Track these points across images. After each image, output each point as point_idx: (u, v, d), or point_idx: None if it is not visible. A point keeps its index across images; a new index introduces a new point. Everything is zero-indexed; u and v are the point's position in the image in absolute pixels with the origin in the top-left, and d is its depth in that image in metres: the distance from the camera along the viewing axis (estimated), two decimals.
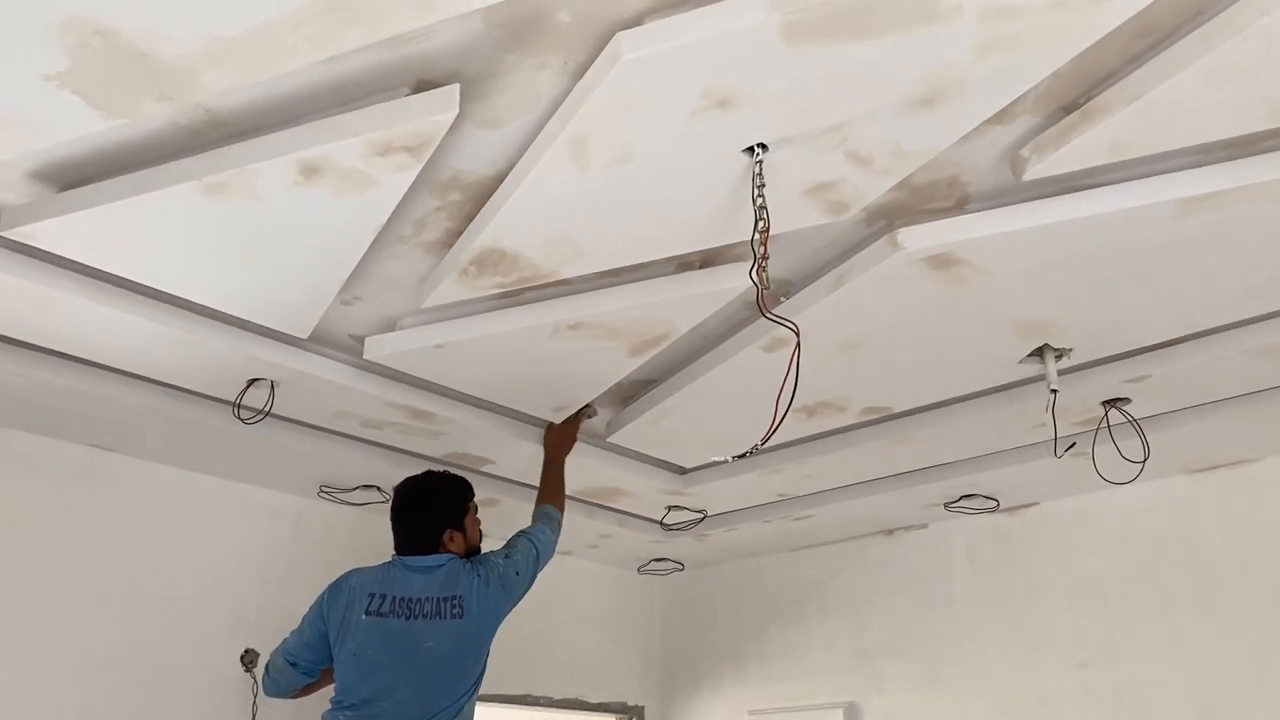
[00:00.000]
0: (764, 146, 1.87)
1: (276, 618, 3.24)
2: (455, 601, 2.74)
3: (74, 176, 2.03)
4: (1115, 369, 2.81)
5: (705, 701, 4.62)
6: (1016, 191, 2.13)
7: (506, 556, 2.87)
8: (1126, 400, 2.96)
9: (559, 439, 3.20)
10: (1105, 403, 2.98)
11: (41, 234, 2.10)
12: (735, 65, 1.68)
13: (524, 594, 2.90)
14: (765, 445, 1.94)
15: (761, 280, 1.81)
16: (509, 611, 2.86)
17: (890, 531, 4.25)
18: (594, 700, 4.51)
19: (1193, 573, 3.46)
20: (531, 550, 2.91)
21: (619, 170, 1.92)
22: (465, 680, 2.76)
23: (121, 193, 1.97)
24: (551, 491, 3.12)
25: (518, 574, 2.84)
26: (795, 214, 2.10)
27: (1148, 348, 2.72)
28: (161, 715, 3.16)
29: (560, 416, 3.14)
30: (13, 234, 2.09)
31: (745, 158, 1.90)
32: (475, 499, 3.02)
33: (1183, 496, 3.54)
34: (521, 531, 2.99)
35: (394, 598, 2.76)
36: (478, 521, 3.00)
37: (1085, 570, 3.70)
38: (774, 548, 4.49)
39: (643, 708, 4.70)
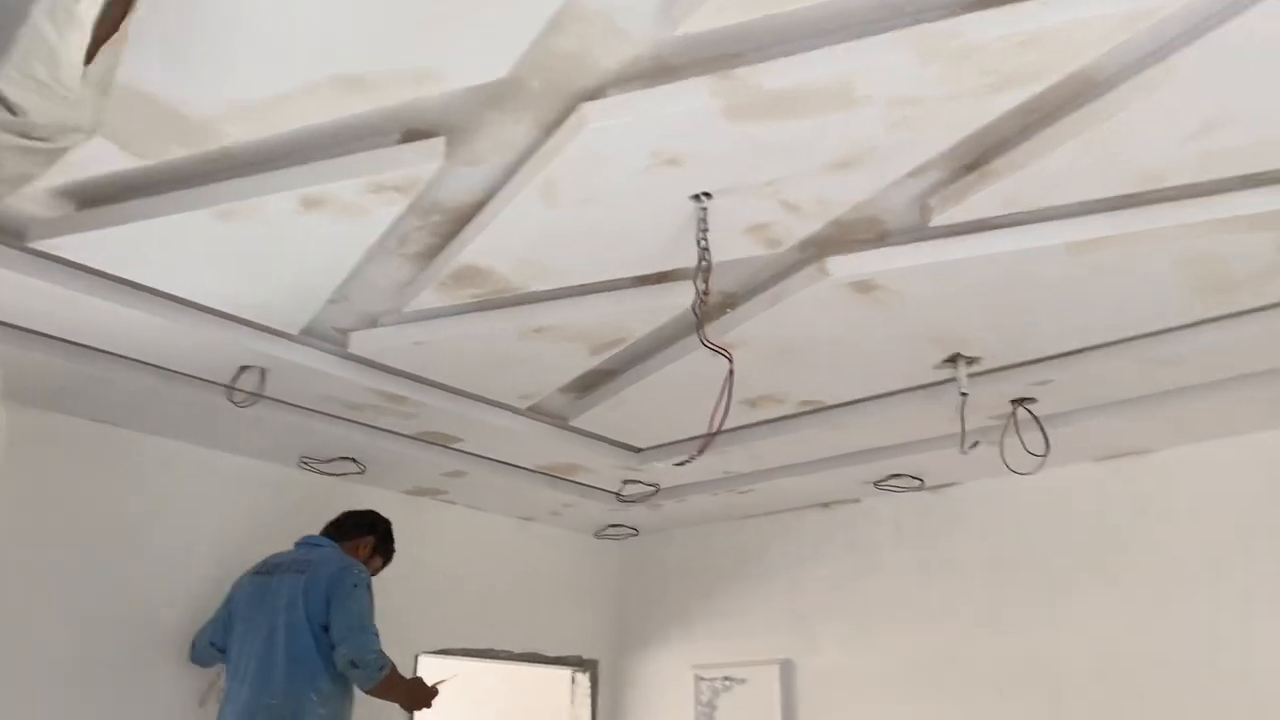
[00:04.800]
0: (708, 195, 2.17)
1: None
2: (305, 564, 3.37)
3: (93, 195, 2.28)
4: (1022, 373, 3.15)
5: (655, 656, 4.99)
6: (930, 230, 2.44)
7: (369, 589, 3.32)
8: (1033, 400, 3.31)
9: (421, 691, 3.38)
10: (1014, 401, 3.32)
11: (66, 247, 2.36)
12: (683, 134, 1.97)
13: (334, 615, 3.21)
14: (703, 436, 2.25)
15: (701, 314, 2.10)
16: (328, 597, 3.25)
17: (826, 504, 4.61)
18: (551, 654, 4.86)
19: (1098, 549, 3.84)
20: (367, 617, 3.23)
21: (583, 209, 2.22)
22: None
23: (141, 214, 2.23)
24: (401, 685, 3.28)
25: (355, 587, 3.27)
26: (737, 247, 2.40)
27: (1050, 357, 3.06)
28: (155, 668, 3.46)
29: (524, 404, 3.43)
30: (41, 245, 2.34)
31: (692, 204, 2.20)
32: (387, 562, 3.73)
33: (1089, 481, 3.91)
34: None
35: (270, 562, 3.49)
36: (378, 571, 3.63)
37: (1000, 544, 4.08)
38: (721, 517, 4.84)
39: (597, 661, 5.06)
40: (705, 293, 2.12)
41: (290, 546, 3.56)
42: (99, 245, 2.35)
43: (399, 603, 4.03)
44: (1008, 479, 3.99)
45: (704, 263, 2.14)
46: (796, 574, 4.63)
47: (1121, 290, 2.61)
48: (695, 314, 2.12)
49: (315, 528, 3.72)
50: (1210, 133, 2.00)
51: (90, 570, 3.37)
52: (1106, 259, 2.43)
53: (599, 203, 2.19)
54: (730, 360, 2.14)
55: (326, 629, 3.20)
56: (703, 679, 4.73)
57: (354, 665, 3.13)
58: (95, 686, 3.31)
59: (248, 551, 3.73)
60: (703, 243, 2.16)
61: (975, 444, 3.15)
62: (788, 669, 4.51)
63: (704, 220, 2.17)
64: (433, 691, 3.40)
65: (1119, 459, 3.86)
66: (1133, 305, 2.70)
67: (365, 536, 3.63)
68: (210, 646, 3.41)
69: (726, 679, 4.67)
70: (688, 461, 2.15)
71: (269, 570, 3.41)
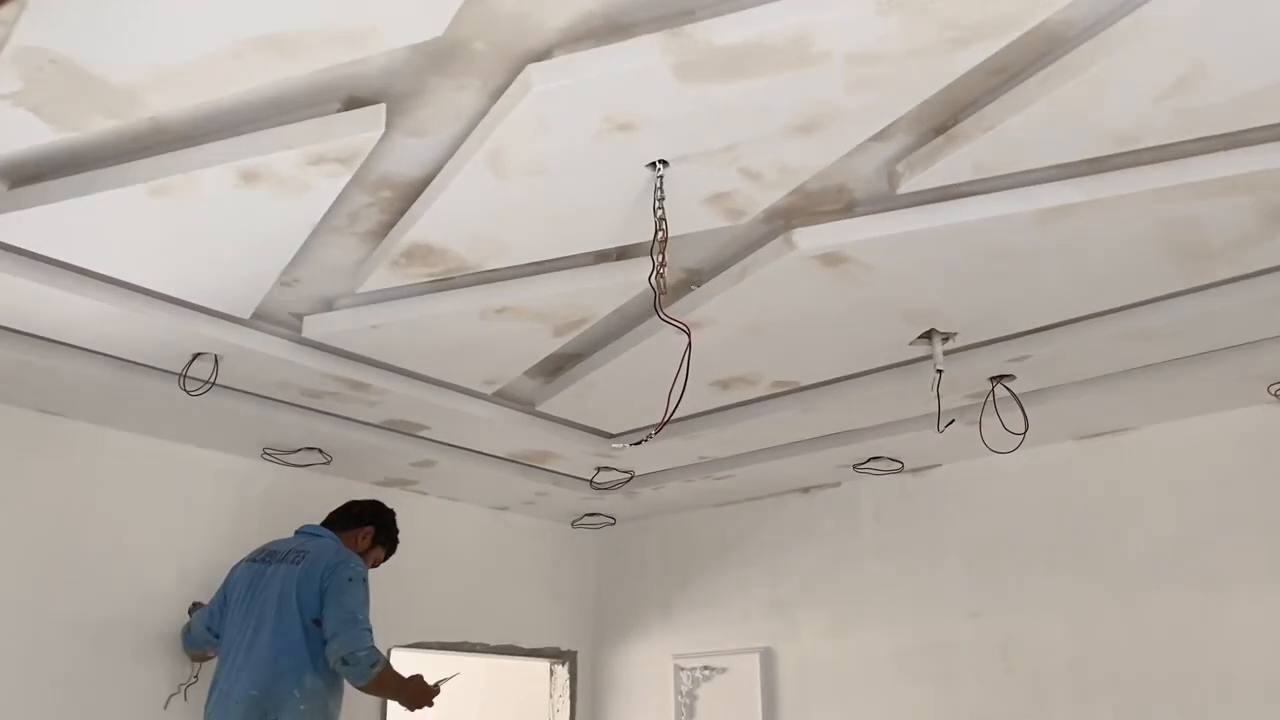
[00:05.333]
0: (665, 163, 2.08)
1: (222, 573, 3.44)
2: (300, 554, 3.29)
3: (25, 174, 2.18)
4: (1000, 349, 3.07)
5: (634, 647, 4.91)
6: (897, 198, 2.36)
7: (364, 581, 3.23)
8: (1011, 377, 3.23)
9: (420, 689, 3.27)
10: (992, 379, 3.25)
11: None
12: (634, 96, 1.88)
13: (329, 609, 3.13)
14: (674, 419, 2.16)
15: (659, 285, 2.02)
16: (323, 590, 3.17)
17: (806, 490, 4.53)
18: (529, 646, 4.77)
19: (1076, 531, 3.77)
20: (362, 613, 3.13)
21: (534, 180, 2.12)
22: None
23: (71, 191, 2.14)
24: (396, 680, 3.20)
25: (349, 580, 3.18)
26: (698, 218, 2.31)
27: (1027, 331, 2.98)
28: (112, 668, 3.35)
29: (490, 389, 3.33)
30: None
31: (648, 172, 2.10)
32: (390, 552, 3.69)
33: (1069, 461, 3.84)
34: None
35: (268, 549, 3.44)
36: (379, 564, 3.59)
37: (979, 527, 4.01)
38: (699, 504, 4.76)
39: (575, 653, 4.97)
40: (663, 265, 2.03)
41: (266, 539, 3.48)
42: (30, 225, 2.25)
43: (372, 596, 3.93)
44: (988, 460, 3.94)
45: (660, 234, 2.05)
46: (777, 561, 4.55)
47: (1095, 260, 2.53)
48: (652, 287, 2.03)
49: (281, 520, 3.63)
50: (1184, 90, 1.91)
51: (44, 567, 3.27)
52: (1078, 227, 2.35)
53: (550, 173, 2.10)
54: (689, 334, 2.05)
55: (318, 623, 3.11)
56: (683, 669, 4.65)
57: (345, 662, 3.04)
58: (50, 686, 3.20)
59: (210, 546, 3.65)
60: (659, 212, 2.07)
61: (951, 422, 3.08)
62: (768, 657, 4.43)
63: (660, 189, 2.08)
64: (434, 690, 3.30)
65: (1098, 438, 3.78)
66: (1108, 276, 2.62)
67: (365, 526, 3.55)
68: (206, 631, 3.33)
69: (707, 668, 4.59)
70: (644, 442, 2.05)
71: (265, 558, 3.32)
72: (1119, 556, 3.65)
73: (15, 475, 3.27)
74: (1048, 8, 1.70)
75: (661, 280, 2.03)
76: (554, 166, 2.08)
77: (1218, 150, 2.16)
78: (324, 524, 3.53)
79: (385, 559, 3.63)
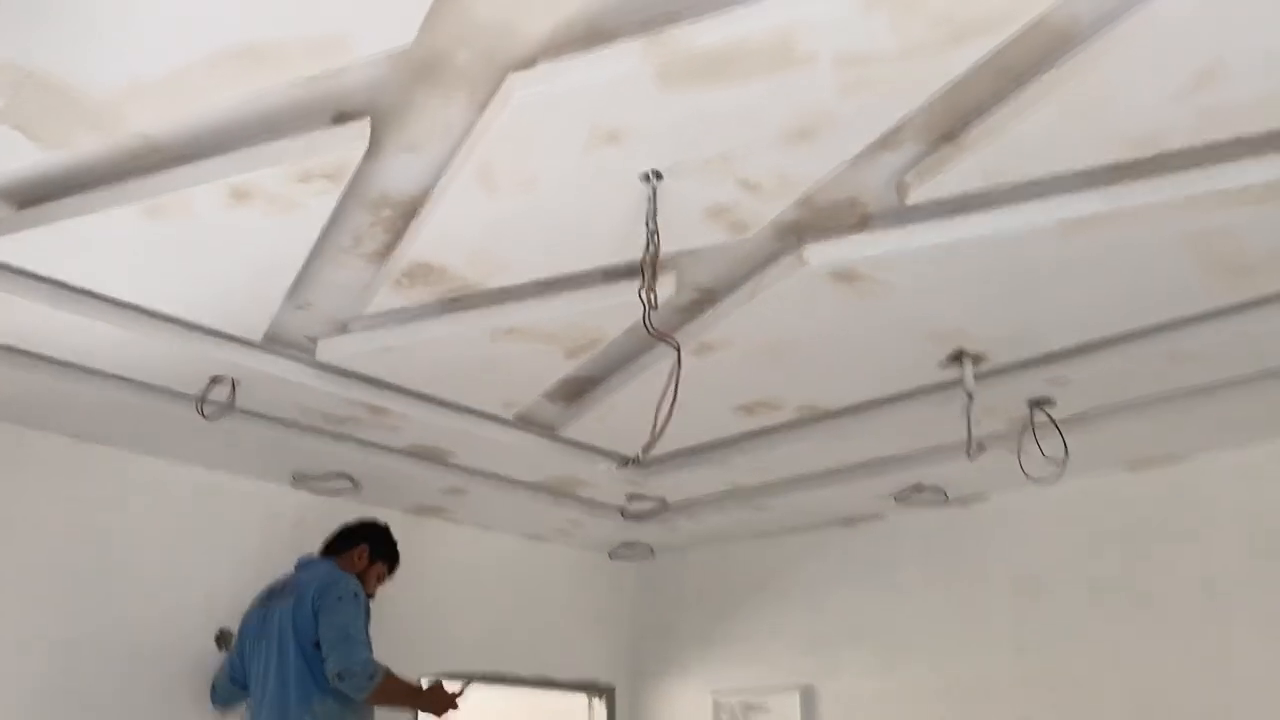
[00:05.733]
0: (658, 174, 2.01)
1: (249, 600, 3.43)
2: (297, 586, 3.29)
3: (33, 195, 2.19)
4: (1035, 372, 2.93)
5: (672, 682, 4.79)
6: (914, 211, 2.25)
7: (355, 597, 3.21)
8: (1051, 401, 3.08)
9: (438, 698, 3.28)
10: (1031, 403, 3.10)
11: (1, 249, 2.26)
12: (618, 104, 1.82)
13: (321, 627, 3.12)
14: (701, 445, 2.08)
15: (650, 300, 1.94)
16: (316, 610, 3.17)
17: (849, 521, 4.39)
18: (564, 679, 4.69)
19: (1129, 564, 3.59)
20: (356, 634, 3.10)
21: (526, 195, 2.07)
22: None
23: (68, 213, 2.14)
24: (399, 687, 3.18)
25: (339, 599, 3.17)
26: (700, 233, 2.24)
27: (1062, 352, 2.84)
28: (139, 693, 3.35)
29: (509, 413, 3.28)
30: None
31: (642, 184, 2.04)
32: (392, 565, 3.61)
33: (1121, 490, 3.66)
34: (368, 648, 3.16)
35: (269, 590, 3.44)
36: (382, 579, 3.56)
37: (1028, 560, 3.84)
38: (739, 535, 4.64)
39: (613, 687, 4.87)
40: (654, 278, 1.96)
41: (291, 568, 3.47)
42: (37, 247, 2.26)
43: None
44: (1036, 491, 3.74)
45: (652, 247, 1.98)
46: (818, 595, 4.41)
47: (1125, 275, 2.39)
48: (642, 301, 1.96)
49: (312, 547, 3.61)
50: (1204, 87, 1.79)
51: (74, 593, 3.28)
52: (1104, 239, 2.23)
53: (541, 187, 2.05)
54: (678, 350, 1.98)
55: (318, 645, 3.11)
56: (722, 705, 4.53)
57: (341, 678, 3.03)
58: (79, 711, 3.21)
59: (240, 572, 3.64)
60: (651, 225, 2.00)
61: (982, 449, 2.93)
62: (809, 695, 4.30)
63: (653, 200, 2.01)
64: (451, 699, 3.29)
65: (1150, 466, 3.60)
66: (1141, 292, 2.48)
67: (359, 545, 3.53)
68: (231, 684, 3.36)
69: (746, 705, 4.46)
70: (633, 462, 1.97)
71: (268, 598, 3.35)
72: (1175, 591, 3.45)
73: (49, 501, 3.30)
74: (1042, 2, 1.60)
75: (653, 295, 1.96)
76: (544, 180, 2.03)
77: (1249, 156, 2.02)
78: (322, 552, 3.52)
79: (390, 572, 3.59)
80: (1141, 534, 3.58)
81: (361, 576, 3.40)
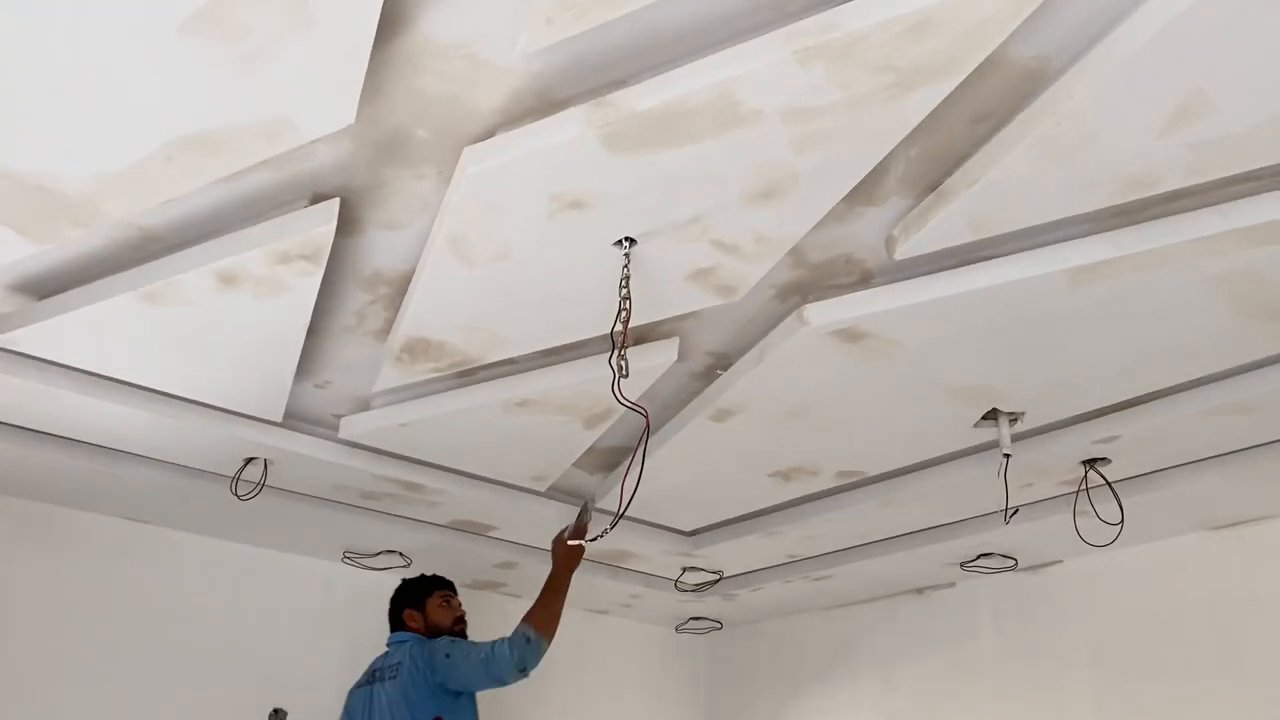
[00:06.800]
0: (631, 240, 1.97)
1: (304, 678, 3.46)
2: (394, 668, 3.11)
3: (50, 287, 2.28)
4: (1082, 430, 2.76)
5: None
6: (909, 266, 2.16)
7: (452, 641, 3.11)
8: (1105, 460, 2.90)
9: (563, 554, 3.17)
10: (1085, 463, 2.92)
11: (23, 340, 2.36)
12: (571, 172, 1.80)
13: (462, 681, 3.04)
14: (746, 515, 2.01)
15: (620, 369, 1.89)
16: (439, 683, 3.04)
17: (920, 590, 4.19)
18: None
19: (1214, 633, 3.32)
20: (480, 652, 3.01)
21: (501, 266, 2.06)
22: None
23: (76, 303, 2.21)
24: (538, 607, 3.09)
25: (448, 656, 3.04)
26: (687, 297, 2.19)
27: (1106, 409, 2.67)
28: None
29: (542, 485, 3.25)
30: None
31: (617, 250, 2.00)
32: (451, 591, 3.44)
33: (1203, 554, 3.40)
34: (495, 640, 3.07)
35: (372, 669, 3.25)
36: (444, 607, 3.37)
37: (1106, 629, 3.59)
38: (807, 607, 4.48)
39: None
40: (624, 345, 1.91)
41: (351, 643, 3.57)
42: (54, 336, 2.35)
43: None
44: (1111, 555, 3.50)
45: (623, 312, 1.94)
46: (890, 668, 4.21)
47: (1153, 324, 2.23)
48: (612, 369, 1.91)
49: (369, 621, 3.60)
50: (1188, 122, 1.67)
51: (130, 672, 3.36)
52: (1117, 286, 2.09)
53: (515, 257, 2.03)
54: (646, 417, 1.92)
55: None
56: None
57: (524, 671, 2.98)
58: None
59: (293, 651, 3.67)
60: (624, 290, 1.96)
61: (1015, 512, 2.76)
62: None
63: (627, 266, 1.97)
64: (577, 551, 3.16)
65: (1231, 528, 3.33)
66: (1175, 342, 2.31)
67: (404, 611, 3.39)
68: None
69: None
70: (602, 536, 1.90)
71: (371, 679, 3.27)
72: (1268, 662, 3.17)
73: (106, 581, 3.40)
74: (990, 38, 1.52)
75: (623, 363, 1.91)
76: (517, 251, 2.01)
77: (1264, 192, 1.88)
78: (393, 628, 3.47)
79: (451, 603, 3.42)
80: (1230, 600, 3.31)
81: (431, 627, 3.32)
